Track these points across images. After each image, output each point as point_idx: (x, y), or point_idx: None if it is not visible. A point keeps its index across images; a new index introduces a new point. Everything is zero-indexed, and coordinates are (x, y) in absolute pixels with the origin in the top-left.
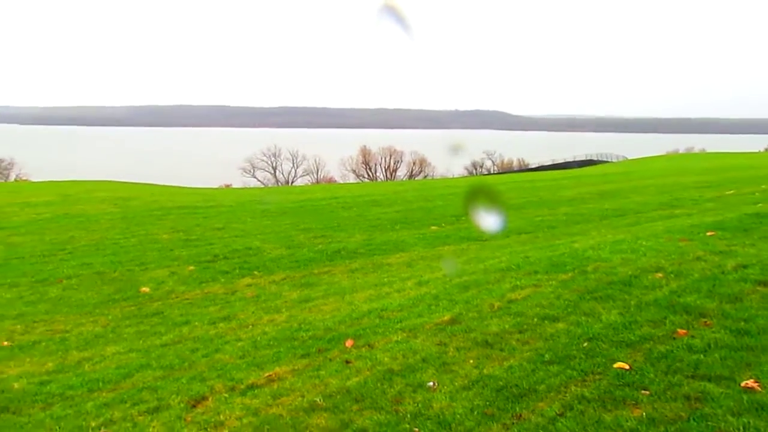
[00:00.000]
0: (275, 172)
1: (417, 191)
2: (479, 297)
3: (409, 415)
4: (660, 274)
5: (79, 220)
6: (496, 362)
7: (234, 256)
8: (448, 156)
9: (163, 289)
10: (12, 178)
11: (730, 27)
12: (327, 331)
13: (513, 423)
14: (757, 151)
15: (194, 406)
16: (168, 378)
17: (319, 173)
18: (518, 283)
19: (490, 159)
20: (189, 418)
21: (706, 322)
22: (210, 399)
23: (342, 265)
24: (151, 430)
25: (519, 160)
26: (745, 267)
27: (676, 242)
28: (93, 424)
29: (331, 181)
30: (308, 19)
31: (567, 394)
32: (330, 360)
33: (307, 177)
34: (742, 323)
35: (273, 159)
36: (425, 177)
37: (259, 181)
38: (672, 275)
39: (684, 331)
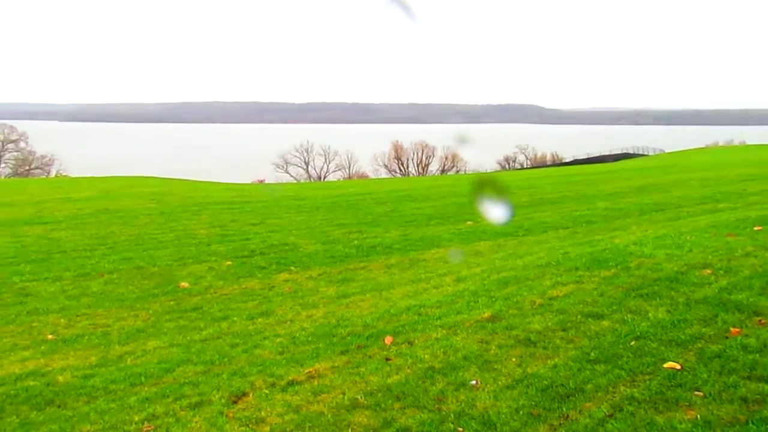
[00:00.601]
0: (308, 167)
1: (450, 186)
2: (519, 294)
3: (452, 414)
4: (708, 271)
5: (119, 215)
6: (540, 361)
7: (270, 252)
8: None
9: (202, 284)
10: (53, 173)
11: None
12: (366, 328)
13: (560, 424)
14: None
15: (235, 402)
16: (209, 373)
17: (351, 168)
18: (559, 279)
19: (523, 153)
20: (230, 414)
21: (760, 320)
22: (251, 395)
23: (378, 260)
24: (193, 425)
25: (553, 154)
26: None
27: (722, 237)
28: (136, 418)
29: (363, 176)
30: (340, 14)
31: (616, 395)
32: (370, 357)
33: (340, 172)
34: None
35: (305, 154)
36: (457, 172)
37: (291, 176)
38: (721, 272)
39: (737, 330)
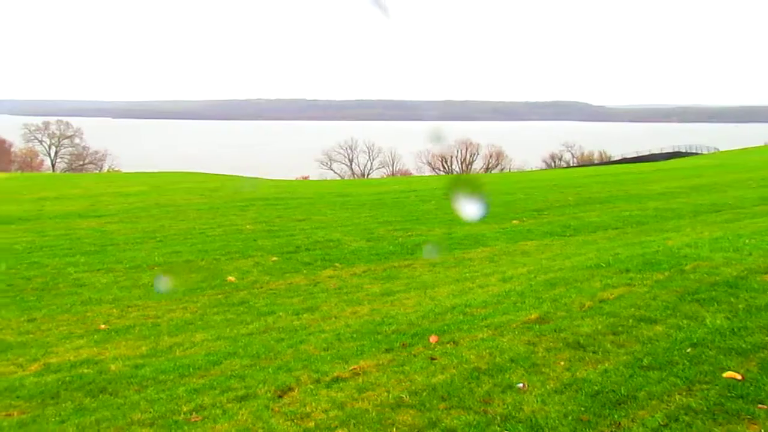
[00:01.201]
0: (351, 164)
1: (495, 184)
2: (567, 295)
3: (498, 417)
4: None
5: (168, 209)
6: (590, 365)
7: (315, 248)
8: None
9: (248, 279)
10: (105, 168)
11: None
12: (410, 326)
13: None
14: None
15: (281, 396)
16: (255, 367)
17: (394, 165)
18: (609, 281)
19: (569, 151)
20: (276, 408)
21: None
22: (296, 390)
23: (422, 258)
24: (239, 418)
25: (600, 152)
26: None
27: None
28: (185, 408)
29: (406, 173)
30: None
31: (671, 404)
32: (414, 356)
33: (383, 169)
34: None
35: (349, 151)
36: (501, 170)
37: (335, 173)
38: None
39: None
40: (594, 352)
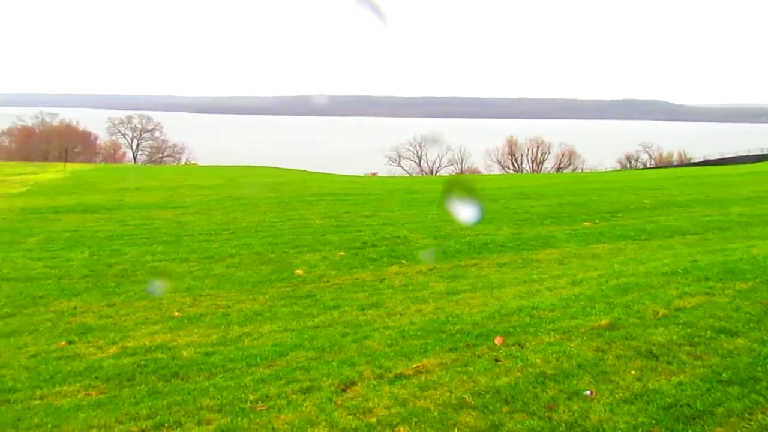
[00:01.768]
0: (420, 161)
1: (567, 184)
2: (640, 302)
3: (563, 424)
4: None
5: (241, 202)
6: (663, 376)
7: (382, 244)
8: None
9: (315, 273)
10: (183, 161)
11: None
12: (475, 326)
13: None
14: None
15: (344, 390)
16: (319, 360)
17: (463, 163)
18: (686, 289)
19: (646, 152)
20: (339, 402)
21: None
22: (359, 385)
23: (490, 258)
24: (303, 409)
25: (680, 153)
26: None
27: None
28: (251, 397)
29: (475, 171)
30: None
31: (752, 423)
32: (478, 356)
33: (452, 167)
34: None
35: (418, 149)
36: (574, 170)
37: (404, 170)
38: None
39: None
40: (668, 363)
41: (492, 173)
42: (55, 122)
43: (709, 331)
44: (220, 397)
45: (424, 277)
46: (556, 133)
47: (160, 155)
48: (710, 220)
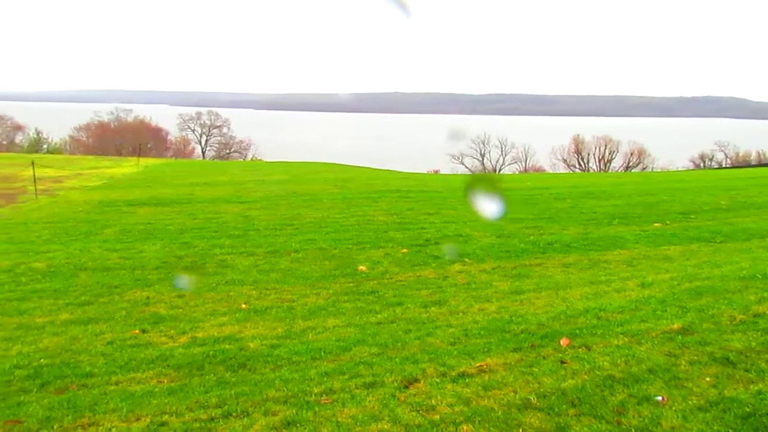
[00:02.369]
0: (483, 159)
1: (636, 184)
2: (716, 306)
3: (633, 430)
4: None
5: (305, 198)
6: (741, 384)
7: (445, 242)
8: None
9: (378, 269)
10: (249, 157)
11: None
12: (540, 327)
13: None
14: None
15: (407, 387)
16: (382, 356)
17: (527, 162)
18: (766, 294)
19: (722, 151)
20: (402, 398)
21: None
22: (422, 382)
23: (555, 258)
24: (367, 404)
25: (759, 152)
26: None
27: None
28: (316, 390)
29: (539, 170)
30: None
31: None
32: (543, 357)
33: (515, 165)
34: None
35: (482, 146)
36: (643, 169)
37: (466, 167)
38: None
39: None
40: (746, 371)
41: (557, 172)
42: (130, 118)
43: None
44: (285, 389)
45: (487, 276)
46: (625, 132)
47: (228, 151)
48: None
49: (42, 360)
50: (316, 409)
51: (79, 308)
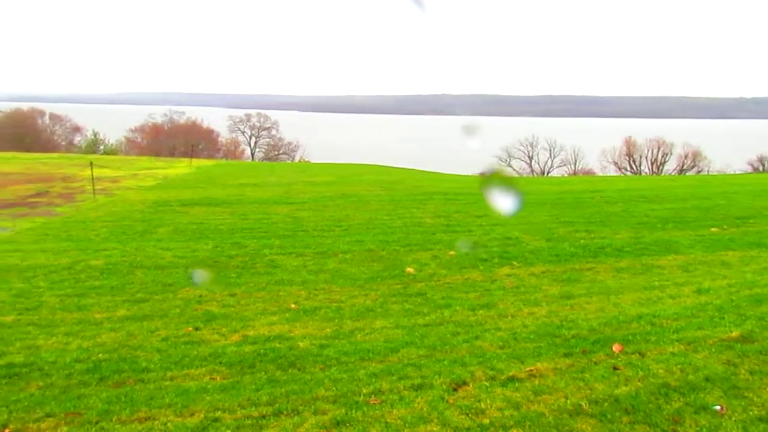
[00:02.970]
0: (531, 161)
1: (691, 188)
2: None
3: None
4: None
5: (353, 200)
6: None
7: (493, 245)
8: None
9: (426, 271)
10: (297, 158)
11: None
12: (591, 332)
13: None
14: None
15: (455, 390)
16: (431, 358)
17: (576, 164)
18: None
19: None
20: (451, 401)
21: None
22: (471, 385)
23: (606, 263)
24: (415, 406)
25: None
26: None
27: None
28: (364, 390)
29: (589, 173)
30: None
31: None
32: (595, 363)
33: (564, 168)
34: None
35: (530, 148)
36: (698, 172)
37: (514, 170)
38: None
39: None
40: None
41: (607, 174)
42: (182, 120)
43: None
44: (334, 388)
45: (536, 280)
46: (680, 133)
47: (276, 152)
48: None
49: (101, 355)
50: (365, 409)
51: (135, 305)
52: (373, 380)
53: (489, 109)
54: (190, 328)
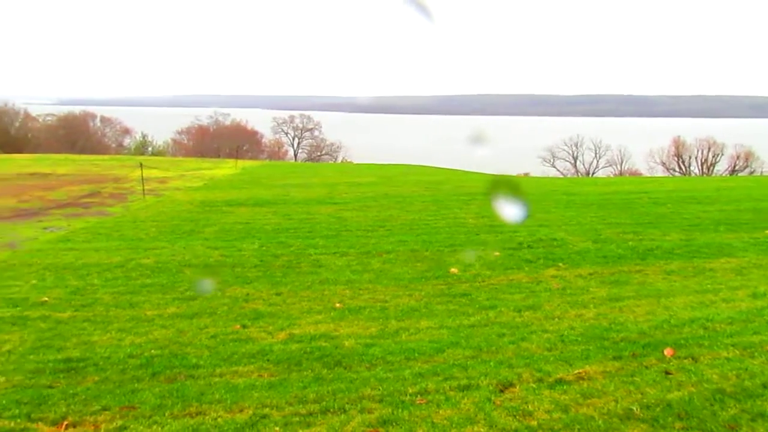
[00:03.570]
0: (575, 162)
1: (744, 189)
2: None
3: None
4: None
5: (396, 200)
6: None
7: (538, 246)
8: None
9: (470, 272)
10: (339, 159)
11: None
12: (641, 336)
13: None
14: None
15: (502, 391)
16: (476, 359)
17: (623, 165)
18: None
19: None
20: (498, 402)
21: None
22: (518, 387)
23: (656, 265)
24: (462, 406)
25: None
26: None
27: None
28: (410, 390)
29: (635, 173)
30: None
31: None
32: (646, 367)
33: (610, 168)
34: None
35: (574, 149)
36: (751, 173)
37: (558, 170)
38: None
39: None
40: None
41: (655, 175)
42: (227, 122)
43: None
44: (380, 387)
45: (583, 281)
46: (731, 133)
47: (319, 153)
48: None
49: (153, 351)
50: (411, 409)
51: (185, 303)
52: (419, 380)
53: (535, 109)
54: (238, 326)
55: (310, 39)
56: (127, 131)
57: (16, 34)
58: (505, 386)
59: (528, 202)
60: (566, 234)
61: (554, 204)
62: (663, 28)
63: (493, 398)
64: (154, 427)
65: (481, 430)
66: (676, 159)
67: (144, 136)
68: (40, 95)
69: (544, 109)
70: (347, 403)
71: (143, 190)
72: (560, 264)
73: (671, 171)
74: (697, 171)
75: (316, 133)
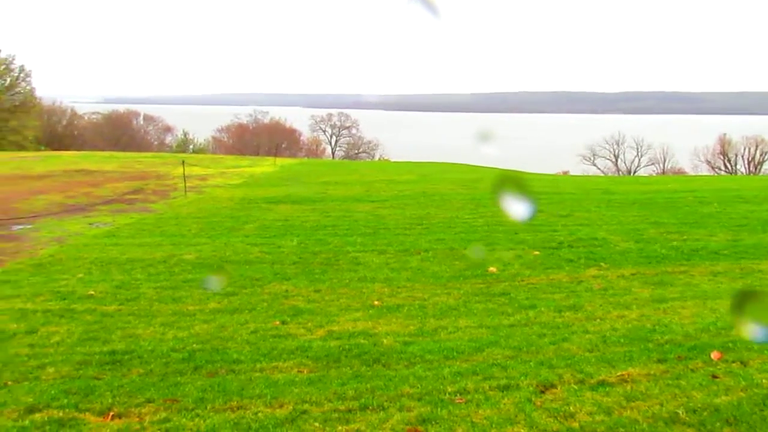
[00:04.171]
0: (617, 160)
1: None
2: None
3: None
4: None
5: (434, 198)
6: None
7: (579, 245)
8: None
9: (509, 271)
10: (377, 157)
11: None
12: (686, 338)
13: None
14: None
15: (543, 392)
16: (516, 359)
17: (666, 163)
18: None
19: None
20: (538, 403)
21: None
22: (558, 388)
23: (701, 266)
24: (502, 407)
25: None
26: None
27: None
28: (449, 389)
29: (679, 172)
30: None
31: None
32: (692, 370)
33: (652, 167)
34: None
35: (615, 147)
36: None
37: (599, 169)
38: None
39: None
40: None
41: (699, 174)
42: (266, 120)
43: None
44: (419, 386)
45: (625, 282)
46: None
47: (356, 151)
48: None
49: (194, 345)
50: (450, 408)
51: (226, 298)
52: (458, 379)
53: (575, 106)
54: (278, 322)
55: (350, 38)
56: (168, 129)
57: (64, 35)
58: (545, 387)
59: (564, 201)
60: (607, 233)
61: (595, 203)
62: (709, 23)
63: (533, 399)
64: (197, 420)
65: (522, 430)
66: (721, 157)
67: (185, 134)
68: (85, 94)
69: (583, 106)
70: (386, 401)
71: (185, 187)
72: (602, 264)
73: (716, 170)
74: (743, 170)
75: (354, 131)
